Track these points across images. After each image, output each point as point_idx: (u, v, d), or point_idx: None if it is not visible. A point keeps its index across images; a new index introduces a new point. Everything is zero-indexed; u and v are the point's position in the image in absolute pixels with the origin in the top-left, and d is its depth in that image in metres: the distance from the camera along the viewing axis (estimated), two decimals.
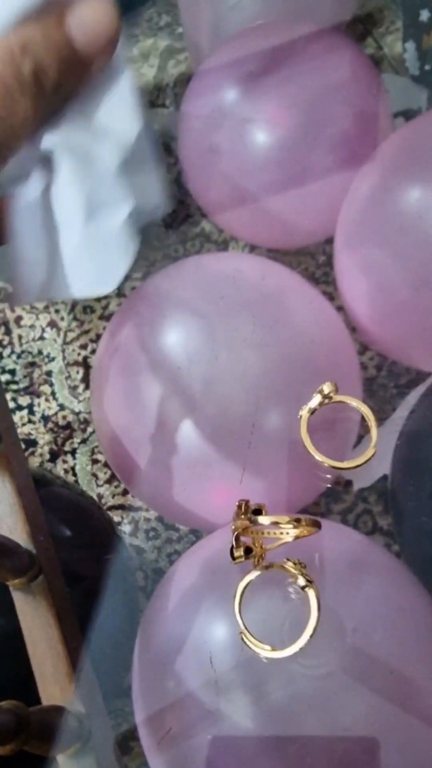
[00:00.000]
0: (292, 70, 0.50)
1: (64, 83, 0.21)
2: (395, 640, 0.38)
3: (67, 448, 0.62)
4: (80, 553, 0.49)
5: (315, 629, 0.27)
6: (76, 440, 0.62)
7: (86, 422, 0.63)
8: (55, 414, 0.63)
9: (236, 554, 0.26)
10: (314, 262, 0.63)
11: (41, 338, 0.66)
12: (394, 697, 0.36)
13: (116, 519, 0.59)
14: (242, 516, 0.26)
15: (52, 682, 0.33)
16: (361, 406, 0.33)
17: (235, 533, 0.26)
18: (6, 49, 0.20)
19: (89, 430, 0.62)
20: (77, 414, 0.63)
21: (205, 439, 0.41)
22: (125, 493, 0.59)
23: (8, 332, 0.67)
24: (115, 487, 0.60)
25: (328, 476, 0.45)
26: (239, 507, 0.27)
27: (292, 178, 0.51)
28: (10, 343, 0.67)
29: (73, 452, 0.62)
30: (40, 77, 0.20)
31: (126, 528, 0.58)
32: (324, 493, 0.55)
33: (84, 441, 0.62)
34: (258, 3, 0.61)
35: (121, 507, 0.59)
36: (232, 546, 0.27)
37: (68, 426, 0.63)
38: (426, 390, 0.48)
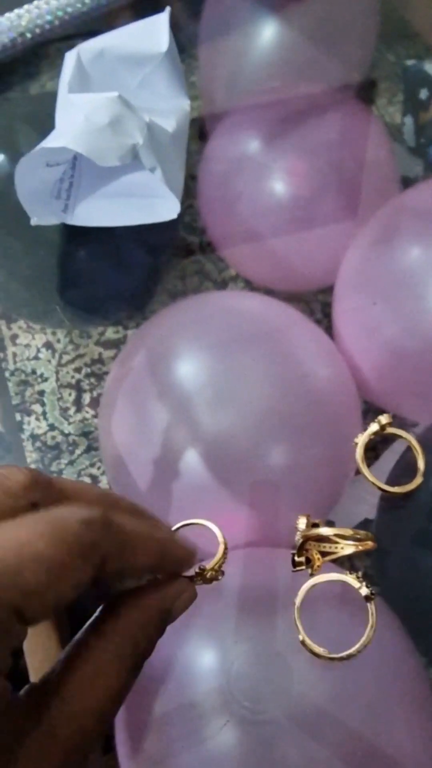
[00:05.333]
0: (310, 125, 0.54)
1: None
2: (377, 682, 0.39)
3: (53, 468, 0.63)
4: None
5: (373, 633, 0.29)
6: (63, 461, 0.63)
7: (75, 444, 0.63)
8: (45, 434, 0.64)
9: (297, 561, 0.28)
10: (308, 309, 0.66)
11: (36, 358, 0.67)
12: (372, 739, 0.37)
13: None
14: (308, 526, 0.28)
15: None
16: (410, 438, 0.36)
17: (299, 542, 0.28)
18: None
19: (77, 452, 0.63)
20: (66, 435, 0.64)
21: (206, 469, 0.43)
22: None
23: (3, 348, 0.68)
24: None
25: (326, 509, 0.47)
26: (301, 519, 0.29)
27: (301, 225, 0.54)
28: (4, 359, 0.67)
29: (60, 473, 0.62)
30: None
31: None
32: None
33: (71, 462, 0.63)
34: (272, 66, 0.65)
35: None
36: (293, 554, 0.28)
37: (56, 446, 0.63)
38: (415, 438, 0.50)
